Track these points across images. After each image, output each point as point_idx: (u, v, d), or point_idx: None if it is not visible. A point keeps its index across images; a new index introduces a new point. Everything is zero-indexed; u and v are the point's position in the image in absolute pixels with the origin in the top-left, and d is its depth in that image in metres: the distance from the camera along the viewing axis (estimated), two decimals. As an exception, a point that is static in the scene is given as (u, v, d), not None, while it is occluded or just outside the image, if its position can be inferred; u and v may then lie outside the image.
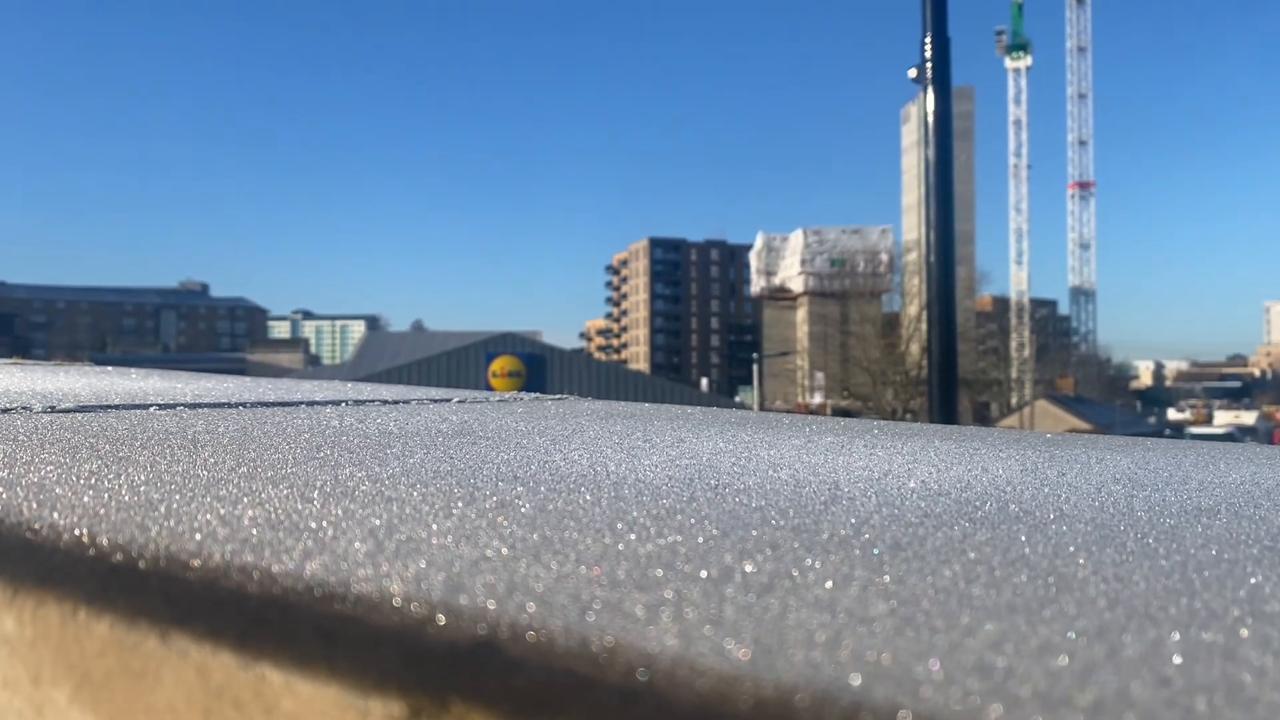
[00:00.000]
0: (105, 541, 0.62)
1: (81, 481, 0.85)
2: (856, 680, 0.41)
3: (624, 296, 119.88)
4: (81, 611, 0.53)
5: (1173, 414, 77.14)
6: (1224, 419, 70.37)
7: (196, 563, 0.57)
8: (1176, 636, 0.48)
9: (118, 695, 0.50)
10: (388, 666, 0.44)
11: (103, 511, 0.71)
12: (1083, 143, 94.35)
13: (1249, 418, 70.10)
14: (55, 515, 0.70)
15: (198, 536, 0.64)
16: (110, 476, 0.88)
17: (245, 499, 0.78)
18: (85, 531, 0.65)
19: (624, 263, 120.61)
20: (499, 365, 28.33)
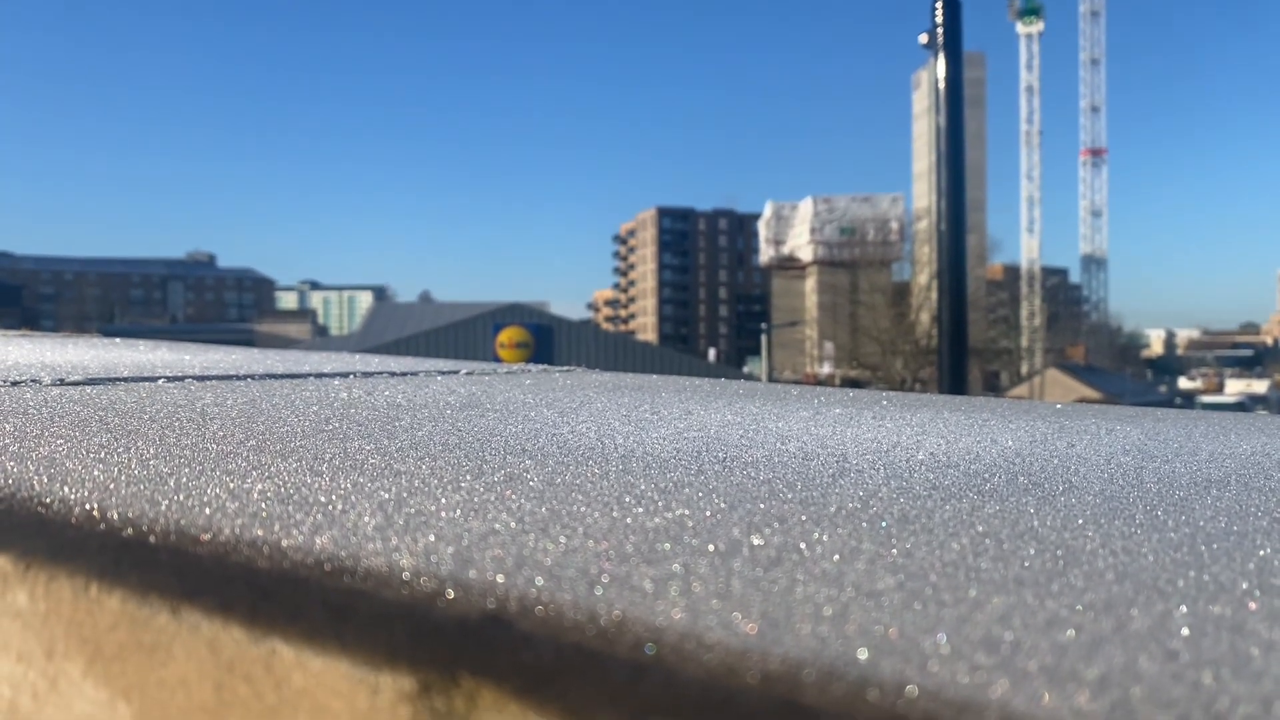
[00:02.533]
0: (116, 516, 0.62)
1: (91, 455, 0.85)
2: (864, 654, 0.42)
3: (631, 266, 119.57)
4: (93, 586, 0.53)
5: (1184, 383, 76.87)
6: (1235, 388, 70.11)
7: (206, 537, 0.58)
8: (1184, 609, 0.48)
9: (130, 669, 0.51)
10: (397, 641, 0.44)
11: (113, 485, 0.72)
12: (1095, 109, 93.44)
13: (1261, 386, 69.84)
14: (66, 489, 0.70)
15: (207, 510, 0.64)
16: (120, 450, 0.88)
17: (254, 472, 0.78)
18: (96, 506, 0.65)
19: (631, 232, 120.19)
20: (506, 336, 28.35)
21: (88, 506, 0.65)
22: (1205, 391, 69.08)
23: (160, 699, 0.50)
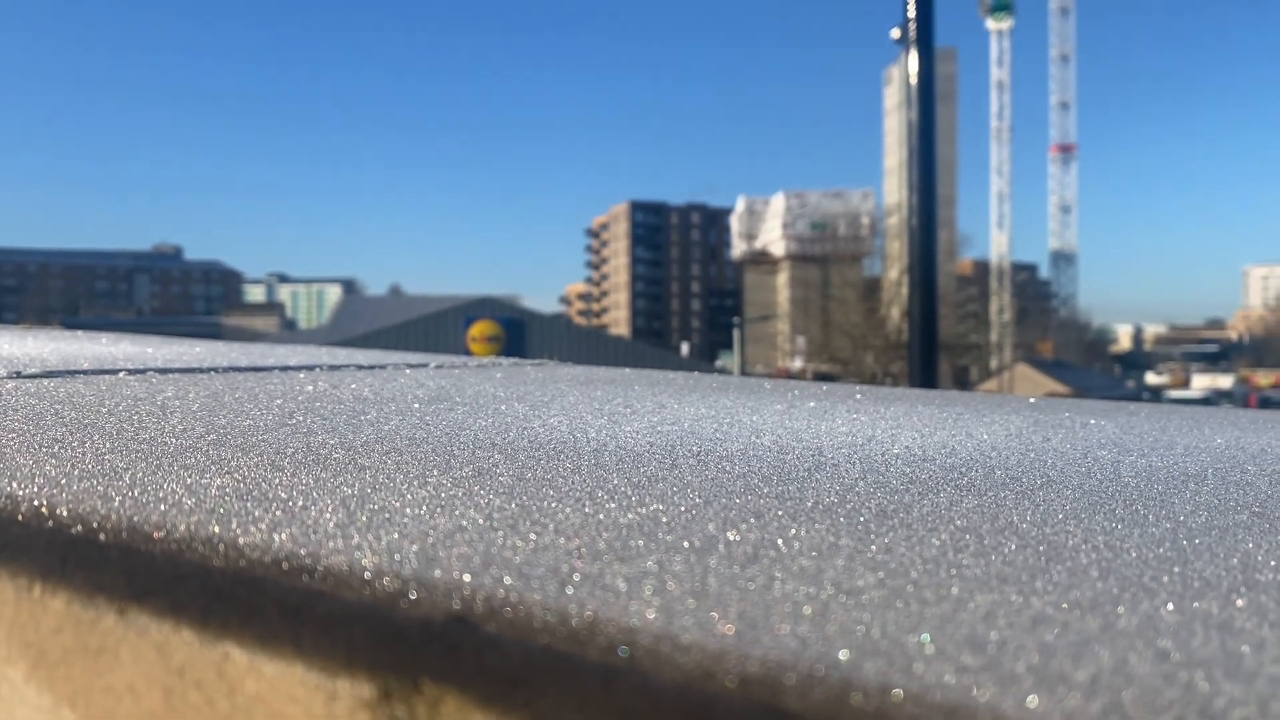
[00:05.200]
0: (65, 512, 0.60)
1: (44, 449, 0.82)
2: (845, 656, 0.40)
3: (604, 260, 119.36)
4: (37, 586, 0.50)
5: (1151, 378, 77.67)
6: (1202, 383, 70.97)
7: (159, 534, 0.55)
8: (1171, 607, 0.47)
9: (75, 674, 0.48)
10: (357, 645, 0.42)
11: (64, 481, 0.69)
12: (1065, 105, 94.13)
13: (1226, 381, 70.72)
14: (14, 485, 0.67)
15: (162, 507, 0.61)
16: (74, 444, 0.85)
17: (213, 468, 0.75)
18: (45, 502, 0.62)
19: (604, 226, 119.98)
20: (478, 330, 28.23)
21: (36, 503, 0.62)
22: (1172, 386, 69.88)
23: (107, 705, 0.47)
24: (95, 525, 0.57)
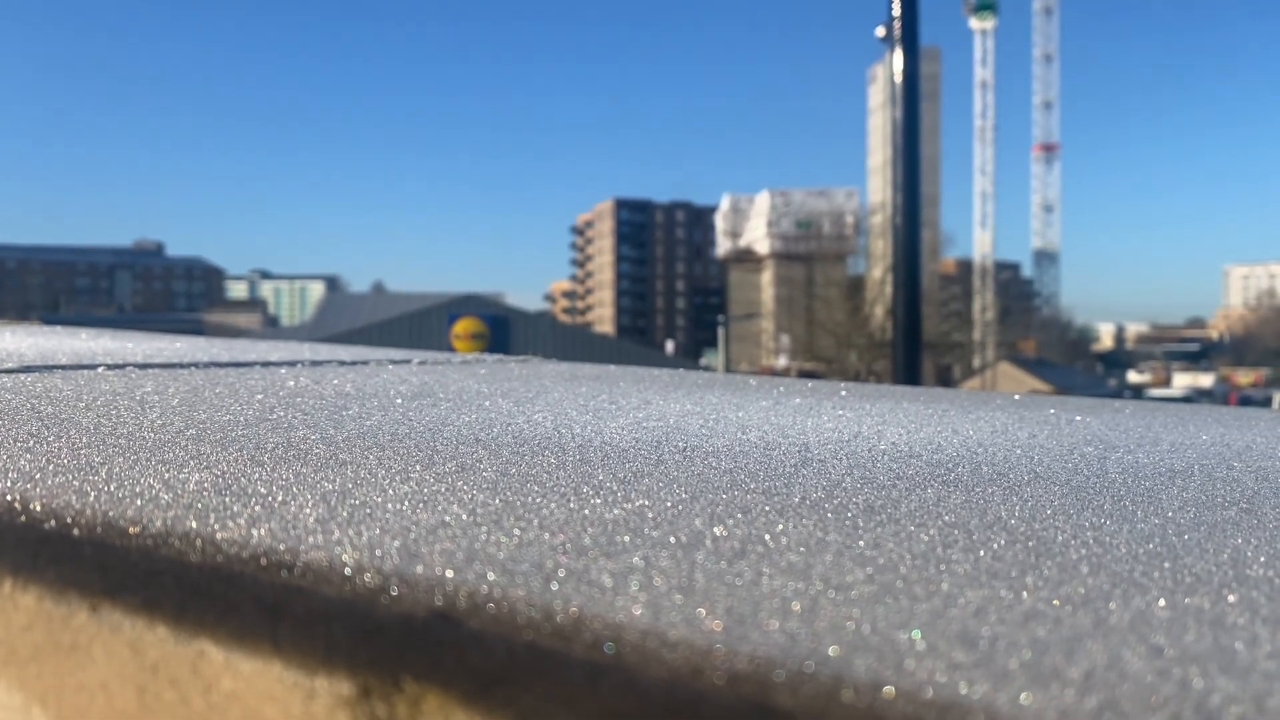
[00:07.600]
0: (38, 507, 0.58)
1: (19, 444, 0.81)
2: (835, 652, 0.39)
3: (589, 258, 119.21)
4: (7, 582, 0.49)
5: (1132, 376, 78.06)
6: (1182, 381, 71.36)
7: (135, 529, 0.54)
8: (1163, 603, 0.47)
9: (46, 672, 0.47)
10: (336, 642, 0.41)
11: (39, 475, 0.67)
12: (1048, 105, 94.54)
13: (1206, 380, 71.16)
14: (-13, 480, 0.66)
15: (138, 502, 0.60)
16: (50, 438, 0.84)
17: (192, 462, 0.74)
18: (18, 496, 0.61)
19: (589, 224, 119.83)
20: (462, 327, 28.15)
21: (9, 497, 0.61)
22: (1153, 385, 70.21)
23: (78, 704, 0.46)
24: (69, 520, 0.56)
